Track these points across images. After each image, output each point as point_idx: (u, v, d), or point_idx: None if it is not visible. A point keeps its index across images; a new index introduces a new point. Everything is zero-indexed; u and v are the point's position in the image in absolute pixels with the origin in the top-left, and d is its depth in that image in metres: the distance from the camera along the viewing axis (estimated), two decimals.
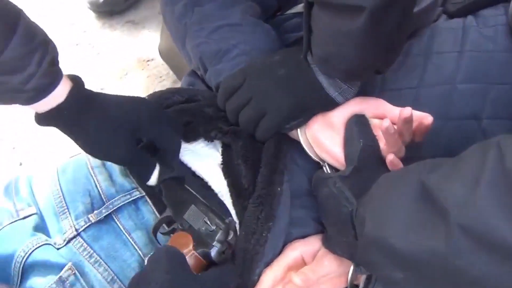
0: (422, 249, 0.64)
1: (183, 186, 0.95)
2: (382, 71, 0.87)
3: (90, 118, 0.86)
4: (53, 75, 0.81)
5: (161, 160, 0.96)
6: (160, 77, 1.85)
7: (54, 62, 0.81)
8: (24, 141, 1.75)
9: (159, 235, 0.93)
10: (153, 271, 0.75)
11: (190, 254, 0.83)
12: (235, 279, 0.83)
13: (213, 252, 0.84)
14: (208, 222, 0.87)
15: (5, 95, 0.79)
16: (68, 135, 0.88)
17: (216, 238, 0.85)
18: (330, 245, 0.88)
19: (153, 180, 0.95)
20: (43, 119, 0.84)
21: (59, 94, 0.82)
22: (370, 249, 0.74)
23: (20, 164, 1.70)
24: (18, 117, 1.80)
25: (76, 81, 0.85)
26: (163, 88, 1.80)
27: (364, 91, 0.91)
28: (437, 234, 0.62)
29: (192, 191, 0.93)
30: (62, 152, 1.76)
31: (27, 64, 0.76)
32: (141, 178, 0.97)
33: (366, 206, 0.77)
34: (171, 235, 0.89)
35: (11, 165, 1.70)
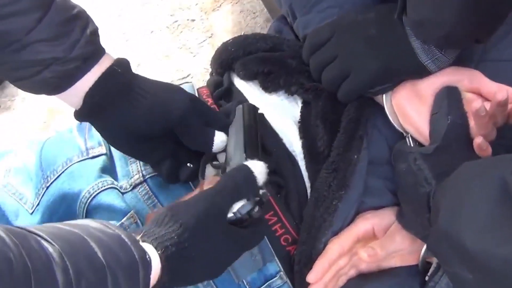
0: (496, 254, 0.59)
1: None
2: (483, 40, 0.79)
3: (115, 114, 0.81)
4: (97, 46, 0.78)
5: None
6: (254, 13, 1.80)
7: (97, 33, 0.79)
8: None
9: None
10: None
11: None
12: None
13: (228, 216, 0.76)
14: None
15: (46, 71, 0.74)
16: (94, 124, 0.85)
17: (237, 208, 0.75)
18: (404, 222, 0.84)
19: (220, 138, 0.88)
20: (79, 115, 0.81)
21: (99, 70, 0.79)
22: (442, 241, 0.69)
23: None
24: None
25: (120, 63, 0.81)
26: (255, 25, 1.79)
27: (459, 61, 0.83)
28: None
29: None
30: None
31: (70, 30, 0.74)
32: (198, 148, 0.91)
33: (442, 196, 0.71)
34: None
35: None
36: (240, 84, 1.02)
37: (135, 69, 1.72)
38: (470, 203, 0.64)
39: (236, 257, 0.77)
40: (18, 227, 0.52)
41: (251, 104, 0.91)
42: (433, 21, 0.74)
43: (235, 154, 0.84)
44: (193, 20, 1.80)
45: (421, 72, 0.82)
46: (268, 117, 0.95)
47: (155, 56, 1.75)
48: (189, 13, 1.81)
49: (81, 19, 0.76)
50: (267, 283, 0.88)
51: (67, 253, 0.52)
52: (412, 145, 0.84)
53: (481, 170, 0.68)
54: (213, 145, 0.87)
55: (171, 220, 0.68)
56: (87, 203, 0.90)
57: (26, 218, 0.92)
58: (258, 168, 0.77)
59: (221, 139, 0.87)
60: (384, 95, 0.86)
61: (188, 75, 1.72)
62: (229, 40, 1.05)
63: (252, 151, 0.84)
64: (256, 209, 0.76)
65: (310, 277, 0.84)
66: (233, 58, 1.01)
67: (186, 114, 0.83)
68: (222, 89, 1.02)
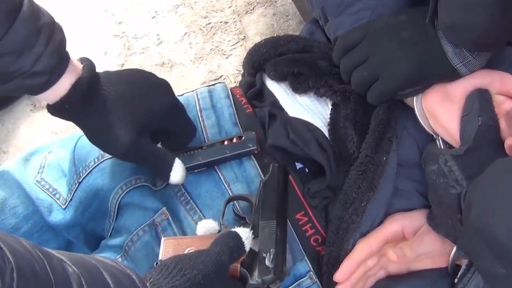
0: None
1: (285, 199, 0.90)
2: None
3: (92, 111, 0.82)
4: (61, 57, 0.77)
5: (172, 145, 0.93)
6: (286, 15, 1.81)
7: (62, 43, 0.78)
8: None
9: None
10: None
11: (235, 264, 0.78)
12: None
13: (250, 281, 0.79)
14: (270, 257, 0.80)
15: (12, 83, 0.75)
16: (77, 125, 0.86)
17: (263, 277, 0.79)
18: (434, 224, 0.83)
19: (176, 177, 0.89)
20: (51, 110, 0.82)
21: (65, 86, 0.79)
22: (474, 237, 0.68)
23: None
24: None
25: (85, 68, 0.82)
26: (288, 28, 1.80)
27: (491, 64, 0.82)
28: None
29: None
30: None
31: (34, 43, 0.73)
32: (157, 176, 0.93)
33: (476, 191, 0.71)
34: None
35: None
36: (271, 85, 1.02)
37: (169, 70, 1.74)
38: (503, 198, 0.64)
39: None
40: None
41: (284, 167, 0.92)
42: (465, 24, 0.74)
43: (264, 214, 0.86)
44: (226, 23, 1.81)
45: (452, 75, 0.81)
46: (299, 117, 0.96)
47: (188, 58, 1.77)
48: (222, 15, 1.82)
49: (44, 31, 0.75)
50: (296, 283, 0.89)
51: (86, 279, 0.55)
52: (442, 148, 0.83)
53: None
54: (169, 177, 0.88)
55: (178, 274, 0.70)
56: (119, 199, 0.92)
57: (59, 213, 0.95)
58: (245, 235, 0.79)
59: (177, 176, 0.89)
60: (414, 98, 0.86)
61: (220, 77, 1.74)
62: (261, 41, 1.06)
63: (283, 212, 0.87)
64: (278, 284, 0.80)
65: (337, 276, 0.84)
66: (264, 59, 1.02)
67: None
68: (255, 89, 1.03)
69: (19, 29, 0.72)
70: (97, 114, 0.82)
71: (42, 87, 0.77)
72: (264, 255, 0.80)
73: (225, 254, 0.74)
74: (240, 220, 0.88)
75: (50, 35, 0.75)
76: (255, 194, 0.89)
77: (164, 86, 0.90)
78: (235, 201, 0.91)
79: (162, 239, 0.83)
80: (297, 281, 0.89)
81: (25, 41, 0.72)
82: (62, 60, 0.78)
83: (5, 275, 0.46)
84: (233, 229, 0.79)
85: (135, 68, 0.90)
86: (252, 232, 0.82)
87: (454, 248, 0.85)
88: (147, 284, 0.66)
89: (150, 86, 0.89)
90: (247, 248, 0.79)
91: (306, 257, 0.89)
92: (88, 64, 0.82)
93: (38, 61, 0.74)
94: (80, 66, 0.82)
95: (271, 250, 0.80)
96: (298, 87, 0.97)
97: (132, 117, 0.84)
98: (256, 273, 0.79)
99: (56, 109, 0.81)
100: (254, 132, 0.94)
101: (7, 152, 1.68)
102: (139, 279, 0.64)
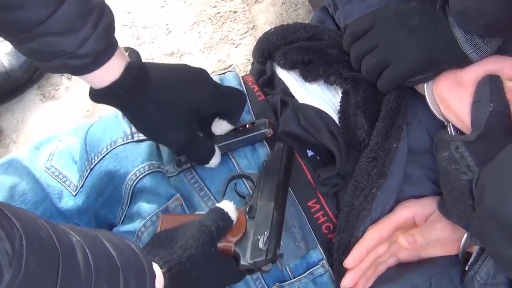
0: None
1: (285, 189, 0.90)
2: None
3: (146, 100, 0.82)
4: (109, 42, 0.75)
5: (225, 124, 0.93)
6: (296, 4, 1.80)
7: (111, 27, 0.75)
8: None
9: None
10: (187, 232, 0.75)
11: (229, 244, 0.80)
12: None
13: (242, 262, 0.80)
14: (265, 239, 0.81)
15: (57, 61, 0.72)
16: (124, 114, 0.87)
17: (255, 259, 0.79)
18: (445, 211, 0.83)
19: (216, 161, 0.92)
20: (97, 96, 0.80)
21: (114, 69, 0.77)
22: (487, 222, 0.68)
23: None
24: None
25: (132, 55, 0.80)
26: (297, 17, 1.79)
27: (502, 50, 0.82)
28: None
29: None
30: None
31: (82, 25, 0.71)
32: (196, 161, 0.94)
33: (489, 176, 0.70)
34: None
35: None
36: (281, 73, 1.02)
37: (178, 60, 1.74)
38: None
39: (226, 284, 0.82)
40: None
41: (290, 146, 0.92)
42: (476, 9, 0.74)
43: (263, 195, 0.87)
44: (235, 12, 1.81)
45: (463, 61, 0.81)
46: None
47: (198, 47, 1.77)
48: (231, 4, 1.82)
49: (95, 13, 0.72)
50: (309, 271, 0.90)
51: (89, 248, 0.57)
52: (453, 134, 0.83)
53: None
54: (208, 163, 0.92)
55: (171, 242, 0.73)
56: (133, 185, 0.92)
57: (70, 200, 0.95)
58: (227, 206, 0.80)
59: (216, 160, 0.92)
60: (425, 84, 0.85)
61: (230, 66, 1.73)
62: (271, 29, 1.06)
63: (283, 194, 0.88)
64: (269, 266, 0.81)
65: (347, 262, 0.84)
66: (274, 47, 1.01)
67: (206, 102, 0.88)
68: (266, 76, 1.03)
69: (68, 9, 0.69)
70: (150, 104, 0.82)
71: (87, 69, 0.75)
72: (259, 237, 0.81)
73: (208, 223, 0.76)
74: (243, 200, 0.89)
75: (99, 18, 0.73)
76: (257, 173, 0.89)
77: (203, 74, 0.90)
78: (242, 180, 0.92)
79: (160, 215, 0.85)
80: (310, 269, 0.90)
81: (72, 23, 0.70)
82: (109, 45, 0.75)
83: (15, 243, 0.48)
84: (216, 204, 0.82)
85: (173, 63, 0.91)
86: (250, 213, 0.83)
87: (465, 235, 0.85)
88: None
89: (192, 75, 0.89)
90: (234, 218, 0.80)
91: (318, 245, 0.90)
92: (133, 51, 0.81)
93: (84, 45, 0.72)
94: (125, 53, 0.80)
95: (265, 232, 0.81)
96: (308, 75, 0.96)
97: (181, 109, 0.85)
98: (248, 255, 0.79)
99: (106, 94, 0.79)
100: (266, 118, 0.95)
101: (17, 142, 1.69)
102: (138, 248, 0.65)
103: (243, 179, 0.92)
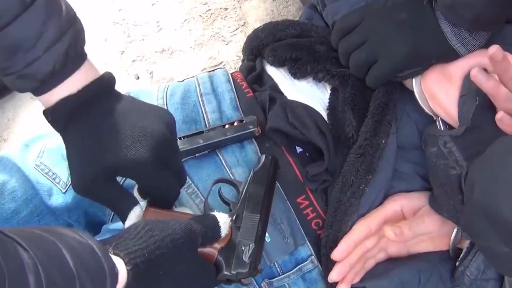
0: None
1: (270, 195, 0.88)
2: None
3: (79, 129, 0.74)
4: (63, 64, 0.70)
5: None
6: (286, 1, 1.80)
7: (69, 51, 0.70)
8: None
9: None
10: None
11: (213, 250, 0.78)
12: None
13: (224, 271, 0.78)
14: (248, 252, 0.79)
15: (7, 79, 0.70)
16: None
17: (238, 270, 0.78)
18: (436, 205, 0.83)
19: (132, 218, 0.77)
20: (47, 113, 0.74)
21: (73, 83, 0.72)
22: (477, 216, 0.68)
23: (137, 78, 1.75)
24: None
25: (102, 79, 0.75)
26: (288, 13, 1.79)
27: (490, 44, 0.82)
28: None
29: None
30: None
31: (31, 45, 0.67)
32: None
33: (477, 170, 0.70)
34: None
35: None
36: (270, 70, 1.02)
37: (169, 57, 1.74)
38: (507, 176, 0.63)
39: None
40: None
41: (276, 160, 0.90)
42: (464, 2, 0.74)
43: (249, 206, 0.84)
44: (226, 9, 1.81)
45: (451, 55, 0.81)
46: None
47: (188, 44, 1.77)
48: (222, 2, 1.82)
49: (50, 34, 0.68)
50: (298, 267, 0.89)
51: (41, 262, 0.52)
52: (442, 129, 0.83)
53: None
54: (126, 219, 0.77)
55: (146, 234, 0.67)
56: (122, 183, 0.91)
57: (59, 197, 0.95)
58: (224, 220, 0.77)
59: (135, 217, 0.78)
60: (413, 79, 0.86)
61: (220, 63, 1.73)
62: (260, 26, 1.06)
63: (267, 207, 0.85)
64: (249, 280, 0.79)
65: (335, 254, 0.84)
66: (263, 44, 1.01)
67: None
68: (255, 73, 1.03)
69: (21, 25, 0.66)
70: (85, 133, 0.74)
71: (34, 92, 0.72)
72: (243, 248, 0.80)
73: (197, 227, 0.72)
74: (225, 205, 0.87)
75: (57, 39, 0.68)
76: (243, 182, 0.88)
77: (159, 133, 0.76)
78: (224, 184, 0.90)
79: (146, 207, 0.80)
80: (299, 265, 0.89)
81: (21, 41, 0.67)
82: (62, 68, 0.70)
83: None
84: (213, 213, 0.79)
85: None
86: (235, 222, 0.82)
87: (455, 230, 0.85)
88: (110, 249, 0.64)
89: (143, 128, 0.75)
90: (223, 233, 0.77)
91: (307, 241, 0.90)
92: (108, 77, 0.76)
93: (32, 65, 0.68)
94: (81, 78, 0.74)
95: (251, 245, 0.80)
96: (297, 72, 0.96)
97: (103, 155, 0.74)
98: (232, 265, 0.78)
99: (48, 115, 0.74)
100: (255, 116, 0.94)
101: (8, 140, 1.68)
102: (100, 248, 0.61)
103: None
